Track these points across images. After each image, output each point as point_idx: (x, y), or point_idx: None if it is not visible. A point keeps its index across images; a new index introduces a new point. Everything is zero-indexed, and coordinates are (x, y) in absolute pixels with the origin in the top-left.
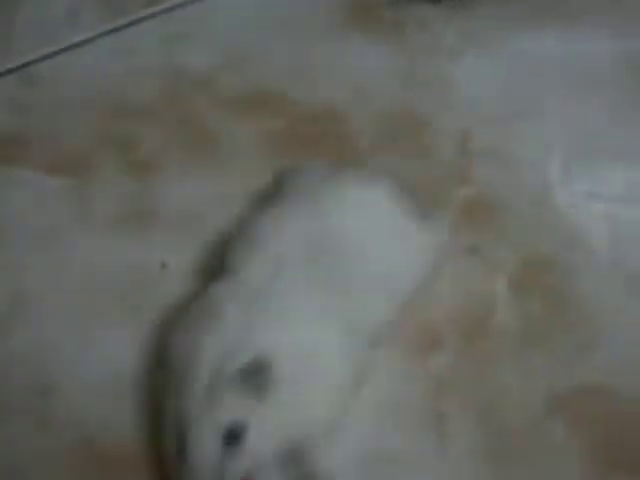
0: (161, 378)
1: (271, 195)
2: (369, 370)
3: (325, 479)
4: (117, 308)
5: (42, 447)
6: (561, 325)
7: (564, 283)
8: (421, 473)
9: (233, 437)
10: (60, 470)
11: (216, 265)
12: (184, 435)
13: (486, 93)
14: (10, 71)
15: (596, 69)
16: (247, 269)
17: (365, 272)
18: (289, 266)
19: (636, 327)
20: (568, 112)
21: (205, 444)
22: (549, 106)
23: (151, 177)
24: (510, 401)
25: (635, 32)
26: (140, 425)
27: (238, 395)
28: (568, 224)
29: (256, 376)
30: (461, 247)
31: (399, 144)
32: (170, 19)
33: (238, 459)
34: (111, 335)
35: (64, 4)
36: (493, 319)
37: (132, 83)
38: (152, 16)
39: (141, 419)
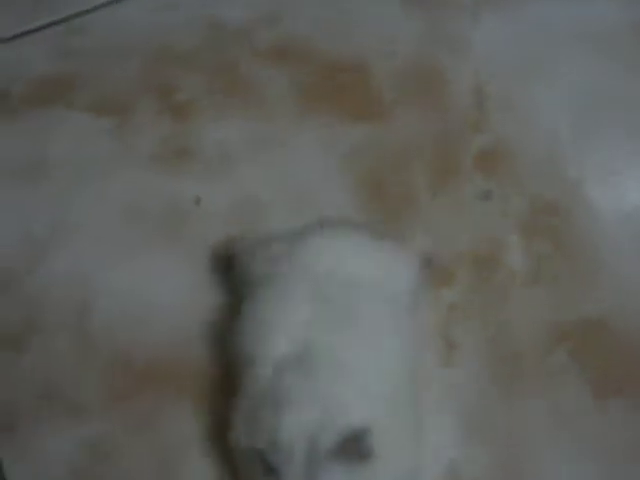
0: None
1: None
2: None
3: None
4: (153, 236)
5: (78, 361)
6: (567, 265)
7: (571, 226)
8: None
9: None
10: (94, 383)
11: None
12: None
13: (503, 52)
14: (59, 21)
15: (611, 34)
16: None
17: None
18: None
19: (635, 266)
20: (581, 71)
21: None
22: (563, 65)
23: (189, 119)
24: (517, 331)
25: None
26: (173, 344)
27: (341, 467)
28: (575, 172)
29: (357, 444)
30: (476, 193)
31: (419, 97)
32: None
33: None
34: (147, 261)
35: None
36: (503, 258)
37: (174, 34)
38: None
39: (174, 339)
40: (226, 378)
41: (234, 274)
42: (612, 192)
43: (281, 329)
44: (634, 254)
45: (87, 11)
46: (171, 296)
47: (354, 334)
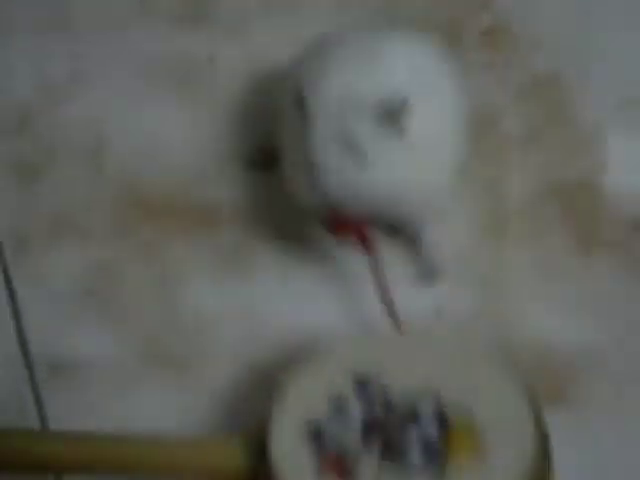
0: None
1: None
2: None
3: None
4: (169, 88)
5: (90, 192)
6: (560, 132)
7: (567, 98)
8: None
9: None
10: (104, 213)
11: None
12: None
13: None
14: None
15: None
16: None
17: None
18: None
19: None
20: None
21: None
22: None
23: None
24: (511, 188)
25: None
26: (182, 182)
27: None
28: (574, 46)
29: (393, 115)
30: (477, 65)
31: None
32: None
33: None
34: (160, 109)
35: None
36: (499, 125)
37: None
38: None
39: (183, 177)
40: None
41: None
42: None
43: None
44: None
45: None
46: (182, 140)
47: None
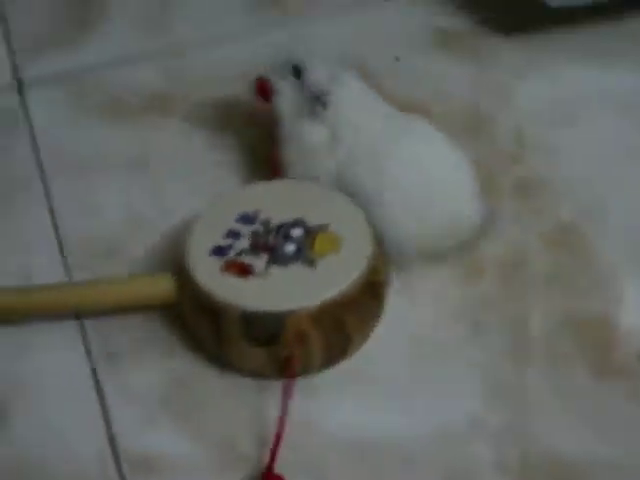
0: None
1: None
2: None
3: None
4: None
5: None
6: (579, 273)
7: (587, 243)
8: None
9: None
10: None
11: None
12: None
13: (541, 104)
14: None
15: (630, 97)
16: None
17: None
18: None
19: None
20: (603, 127)
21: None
22: (586, 121)
23: None
24: (533, 319)
25: None
26: None
27: None
28: (594, 196)
29: None
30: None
31: (465, 136)
32: None
33: None
34: None
35: None
36: (526, 264)
37: None
38: None
39: None
40: None
41: None
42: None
43: None
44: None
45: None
46: None
47: None
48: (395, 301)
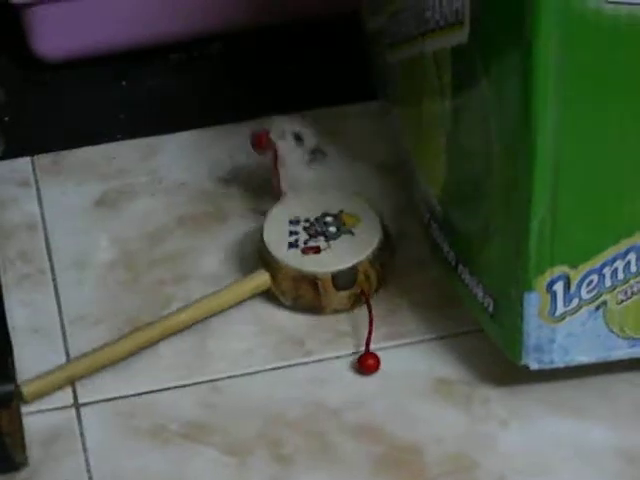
0: None
1: None
2: None
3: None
4: None
5: None
6: None
7: None
8: None
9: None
10: None
11: None
12: None
13: (521, 453)
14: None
15: (597, 453)
16: None
17: None
18: None
19: None
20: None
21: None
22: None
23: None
24: None
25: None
26: None
27: None
28: None
29: None
30: None
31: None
32: None
33: None
34: None
35: None
36: None
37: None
38: None
39: None
40: None
41: None
42: None
43: None
44: None
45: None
46: None
47: None
48: None
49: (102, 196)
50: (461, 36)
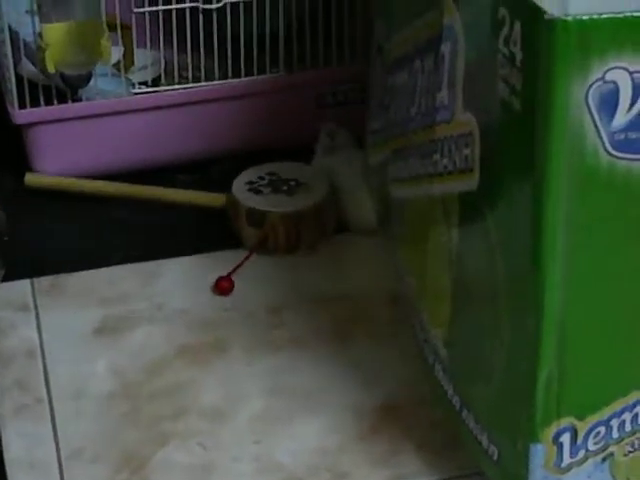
0: None
1: None
2: None
3: None
4: None
5: None
6: None
7: None
8: None
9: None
10: None
11: None
12: None
13: None
14: None
15: None
16: None
17: None
18: None
19: None
20: None
21: None
22: None
23: None
24: None
25: None
26: None
27: None
28: None
29: None
30: None
31: None
32: None
33: None
34: None
35: None
36: None
37: None
38: None
39: None
40: None
41: None
42: None
43: None
44: None
45: None
46: None
47: None
48: None
49: (101, 323)
50: (471, 183)
